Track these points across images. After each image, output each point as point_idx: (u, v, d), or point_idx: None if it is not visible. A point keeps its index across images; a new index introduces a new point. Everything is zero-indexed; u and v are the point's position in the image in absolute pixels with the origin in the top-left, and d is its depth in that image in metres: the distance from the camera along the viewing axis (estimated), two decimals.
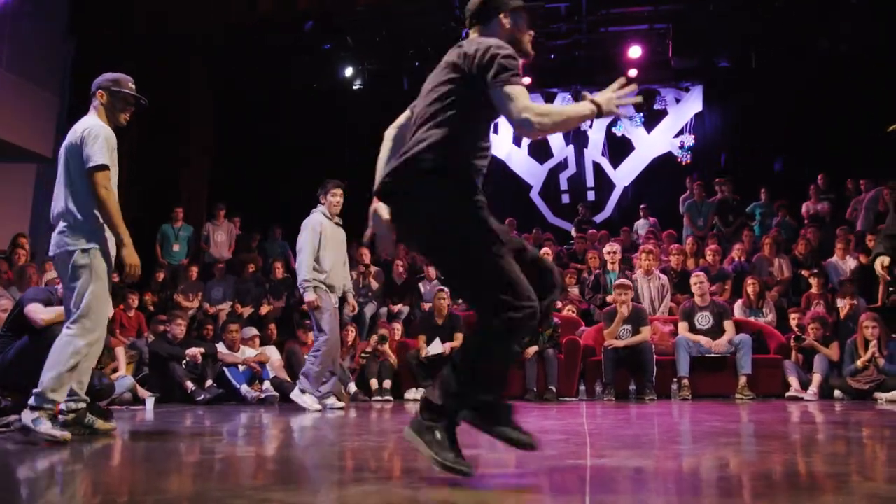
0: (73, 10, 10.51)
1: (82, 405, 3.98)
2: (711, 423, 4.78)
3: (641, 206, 12.68)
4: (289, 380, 7.48)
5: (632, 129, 14.01)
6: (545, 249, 9.61)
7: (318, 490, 2.35)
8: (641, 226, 12.19)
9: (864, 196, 10.56)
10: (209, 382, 7.36)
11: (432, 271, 9.67)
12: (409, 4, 11.36)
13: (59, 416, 3.92)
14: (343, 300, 6.67)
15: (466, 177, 2.63)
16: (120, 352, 7.35)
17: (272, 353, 7.96)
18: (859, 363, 7.14)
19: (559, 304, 8.70)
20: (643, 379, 7.31)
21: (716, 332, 7.64)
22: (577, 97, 14.02)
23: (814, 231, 10.16)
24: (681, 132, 13.85)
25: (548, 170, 14.44)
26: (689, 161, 13.63)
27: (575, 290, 9.41)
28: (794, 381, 7.31)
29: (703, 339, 7.52)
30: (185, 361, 7.40)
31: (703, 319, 7.73)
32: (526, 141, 14.30)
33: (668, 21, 12.01)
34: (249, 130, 12.47)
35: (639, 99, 2.70)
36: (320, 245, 6.37)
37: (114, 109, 4.10)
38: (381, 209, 2.77)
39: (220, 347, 7.69)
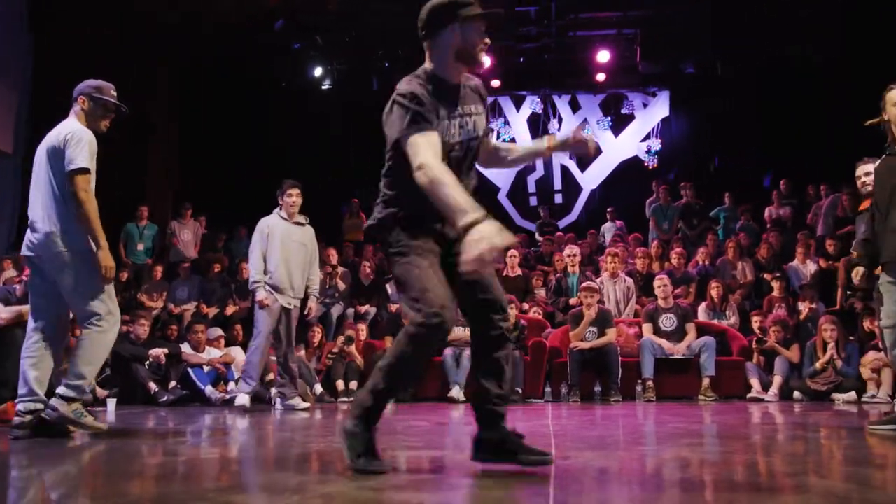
0: (32, 6, 10.29)
1: (41, 406, 3.94)
2: (675, 424, 4.85)
3: (608, 209, 12.81)
4: None
5: (599, 133, 14.14)
6: (512, 251, 9.64)
7: (282, 492, 2.33)
8: (608, 229, 12.31)
9: (823, 202, 10.78)
10: (173, 383, 7.27)
11: None
12: (379, 5, 11.34)
13: (16, 418, 3.87)
14: (305, 301, 6.61)
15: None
16: None
17: (237, 353, 7.88)
18: (818, 365, 7.28)
19: (526, 306, 8.74)
20: (608, 380, 7.37)
21: (679, 334, 7.74)
22: (546, 100, 14.14)
23: (776, 235, 10.34)
24: (648, 136, 14.02)
25: (515, 172, 14.50)
26: (655, 165, 13.80)
27: (541, 293, 9.46)
28: (755, 382, 7.43)
29: (665, 344, 7.61)
30: (148, 362, 7.30)
31: (667, 322, 7.82)
32: None
33: (635, 27, 12.16)
34: (216, 129, 12.35)
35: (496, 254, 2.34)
36: (268, 247, 6.35)
37: (94, 115, 4.17)
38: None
39: (185, 348, 7.60)
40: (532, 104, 14.36)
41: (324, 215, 13.10)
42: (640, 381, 7.49)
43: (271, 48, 12.12)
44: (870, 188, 5.23)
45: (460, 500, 2.33)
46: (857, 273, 4.62)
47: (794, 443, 3.88)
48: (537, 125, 14.37)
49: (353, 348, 7.94)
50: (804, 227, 10.69)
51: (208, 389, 7.26)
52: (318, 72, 12.99)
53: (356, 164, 13.67)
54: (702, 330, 7.88)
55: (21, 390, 3.97)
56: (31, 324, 4.06)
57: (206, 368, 7.45)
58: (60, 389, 3.90)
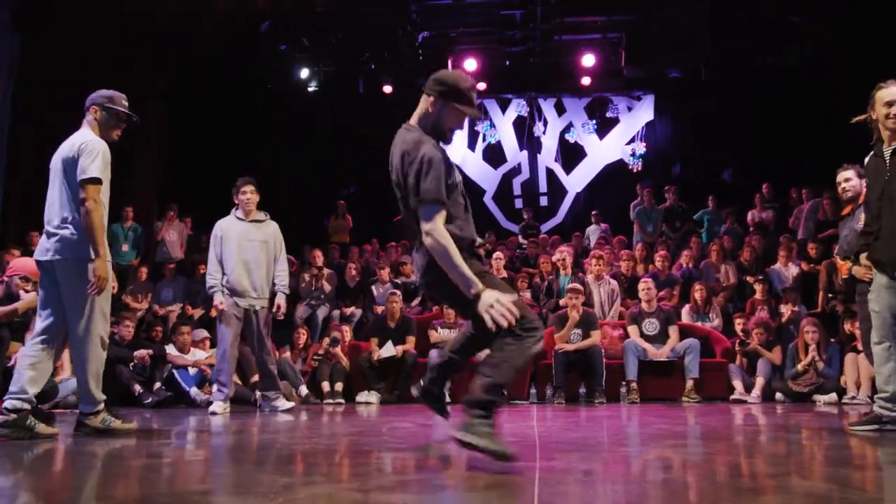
0: (17, 4, 10.19)
1: (27, 407, 3.97)
2: (659, 426, 4.88)
3: (593, 212, 12.87)
4: (239, 382, 7.38)
5: (584, 137, 14.21)
6: (497, 254, 9.66)
7: (267, 493, 2.34)
8: (593, 231, 12.37)
9: (805, 205, 10.88)
10: (157, 385, 7.23)
11: (385, 274, 9.66)
12: (366, 7, 11.35)
13: (0, 416, 3.86)
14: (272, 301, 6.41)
15: None
16: (64, 354, 7.16)
17: None
18: (800, 367, 7.35)
19: None
20: (593, 382, 7.40)
21: (662, 337, 7.78)
22: (532, 104, 14.20)
23: (758, 238, 10.43)
24: (632, 140, 14.10)
25: (501, 175, 14.56)
26: (640, 168, 13.88)
27: (527, 295, 9.49)
28: (738, 384, 7.49)
29: (648, 348, 7.66)
30: (132, 364, 7.26)
31: (650, 325, 7.87)
32: (480, 146, 14.42)
33: (621, 31, 12.24)
34: (202, 130, 12.30)
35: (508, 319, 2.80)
36: (223, 250, 6.19)
37: (107, 125, 4.29)
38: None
39: (170, 349, 7.56)
40: (518, 107, 14.42)
41: (310, 217, 13.13)
42: (624, 383, 7.53)
43: (257, 49, 12.10)
44: (850, 194, 5.30)
45: (445, 501, 2.34)
46: (847, 267, 4.68)
47: (776, 444, 3.93)
48: (523, 128, 14.43)
49: (338, 350, 7.93)
50: (786, 231, 10.79)
51: (193, 391, 7.22)
52: (304, 73, 12.97)
53: (342, 166, 13.67)
54: (685, 332, 7.94)
55: (12, 387, 4.00)
56: (38, 325, 4.16)
57: (191, 370, 7.42)
58: (81, 408, 4.17)
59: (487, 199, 14.49)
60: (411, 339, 7.88)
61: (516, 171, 14.57)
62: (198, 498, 2.29)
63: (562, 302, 8.52)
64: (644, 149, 14.00)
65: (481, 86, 13.43)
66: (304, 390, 7.50)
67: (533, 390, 7.98)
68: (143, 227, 10.57)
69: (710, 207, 11.87)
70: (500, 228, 13.86)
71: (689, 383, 7.47)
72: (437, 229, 2.89)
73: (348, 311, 9.39)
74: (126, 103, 4.37)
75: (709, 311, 8.52)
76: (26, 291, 5.53)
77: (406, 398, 7.55)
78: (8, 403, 3.95)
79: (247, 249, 6.20)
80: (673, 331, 7.80)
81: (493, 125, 14.47)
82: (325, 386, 7.69)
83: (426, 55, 12.64)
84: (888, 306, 4.19)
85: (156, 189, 11.86)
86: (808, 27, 11.26)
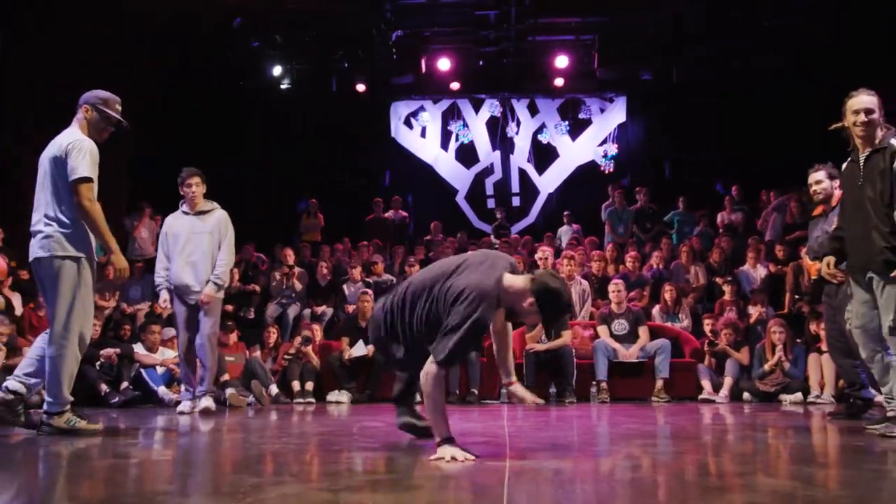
0: None
1: (24, 392, 4.12)
2: (628, 426, 4.92)
3: (565, 212, 12.92)
4: None
5: (557, 137, 14.27)
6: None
7: (236, 494, 2.32)
8: (565, 232, 12.42)
9: (771, 208, 11.03)
10: (124, 384, 7.12)
11: (356, 273, 9.63)
12: (340, 6, 11.30)
13: None
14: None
15: None
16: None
17: None
18: (766, 367, 7.45)
19: None
20: (563, 382, 7.43)
21: (631, 337, 7.84)
22: (505, 104, 14.24)
23: (728, 240, 10.56)
24: (604, 141, 14.18)
25: (474, 175, 14.56)
26: (611, 170, 13.97)
27: None
28: (706, 384, 7.57)
29: (618, 348, 7.71)
30: (99, 363, 7.15)
31: (619, 326, 7.93)
32: (453, 145, 14.42)
33: (594, 33, 12.31)
34: (172, 127, 12.15)
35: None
36: (169, 246, 5.94)
37: (96, 126, 4.30)
38: None
39: (138, 348, 7.46)
40: (491, 107, 14.44)
41: (281, 215, 13.05)
42: (594, 383, 7.57)
43: (229, 46, 11.99)
44: (821, 196, 5.38)
45: (415, 501, 2.34)
46: (829, 263, 4.56)
47: (743, 443, 3.98)
48: (496, 128, 14.46)
49: (309, 349, 7.89)
50: (755, 233, 10.93)
51: (161, 390, 7.13)
52: (277, 71, 12.88)
53: (314, 164, 13.60)
54: (655, 332, 8.00)
55: (18, 371, 4.19)
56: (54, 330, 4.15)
57: (159, 369, 7.32)
58: (46, 407, 4.09)
59: (460, 199, 14.49)
60: None
61: (489, 171, 14.59)
62: (164, 499, 2.27)
63: None
64: (616, 150, 14.09)
65: (454, 85, 13.45)
66: (274, 389, 7.44)
67: (503, 390, 7.99)
68: (112, 224, 10.41)
69: (680, 209, 11.99)
70: (472, 228, 13.87)
71: (659, 383, 7.53)
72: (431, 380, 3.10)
73: (319, 310, 9.34)
74: (119, 108, 4.36)
75: (678, 311, 8.60)
76: None
77: (377, 398, 7.53)
78: (10, 383, 4.08)
79: (193, 243, 5.87)
80: (643, 331, 7.86)
81: (466, 125, 14.47)
82: (296, 385, 7.64)
83: (400, 54, 12.62)
84: (868, 321, 4.16)
85: (125, 186, 11.69)
86: (779, 32, 11.41)
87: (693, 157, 13.43)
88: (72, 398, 4.17)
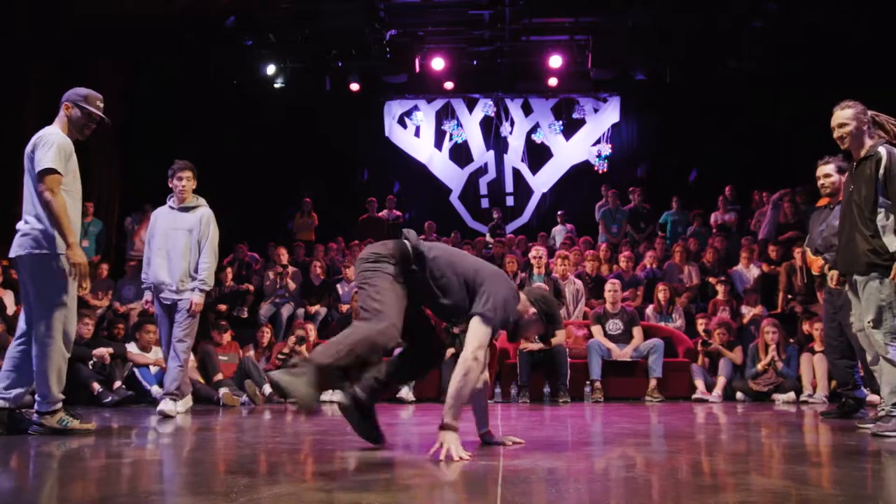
0: None
1: (6, 406, 4.10)
2: (622, 425, 4.92)
3: (559, 212, 12.95)
4: (202, 381, 7.29)
5: (551, 137, 14.29)
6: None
7: (229, 493, 2.31)
8: (558, 232, 12.44)
9: (766, 208, 11.07)
10: (118, 384, 7.10)
11: (350, 272, 9.61)
12: (333, 4, 11.28)
13: None
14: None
15: None
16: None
17: None
18: (759, 366, 7.47)
19: None
20: (557, 382, 7.44)
21: (625, 337, 7.86)
22: (499, 104, 14.25)
23: (721, 240, 10.59)
24: (598, 141, 14.21)
25: (468, 174, 14.58)
26: (605, 170, 14.00)
27: None
28: (700, 383, 7.59)
29: (613, 348, 7.72)
30: (91, 362, 7.13)
31: (614, 326, 7.94)
32: (447, 145, 14.43)
33: (588, 33, 12.31)
34: (165, 125, 12.11)
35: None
36: (152, 241, 5.76)
37: (78, 123, 4.29)
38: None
39: (131, 347, 7.44)
40: (485, 107, 14.46)
41: (274, 214, 13.03)
42: (588, 383, 7.58)
43: (223, 44, 11.94)
44: (828, 190, 5.41)
45: (408, 501, 2.33)
46: (833, 277, 4.87)
47: (736, 442, 3.99)
48: (490, 128, 14.47)
49: (304, 348, 7.87)
50: (748, 233, 10.96)
51: (154, 389, 7.11)
52: (270, 70, 12.85)
53: (308, 163, 13.57)
54: (649, 332, 8.02)
55: None
56: (20, 327, 4.20)
57: (152, 368, 7.30)
58: (36, 407, 4.12)
59: (454, 199, 14.50)
60: None
61: (483, 170, 14.60)
62: (157, 498, 2.26)
63: None
64: (610, 150, 14.12)
65: (448, 85, 13.44)
66: (267, 389, 7.42)
67: (497, 389, 8.00)
68: (105, 223, 10.39)
69: (674, 209, 12.01)
70: (465, 228, 13.88)
71: (652, 383, 7.55)
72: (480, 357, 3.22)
73: (313, 309, 9.33)
74: (101, 104, 4.36)
75: (672, 311, 8.62)
76: None
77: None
78: None
79: (171, 239, 5.68)
80: (637, 331, 7.87)
81: (460, 124, 14.48)
82: None
83: (394, 54, 12.60)
84: None
85: (118, 185, 11.65)
86: (771, 33, 11.44)
87: (686, 156, 13.46)
88: (63, 397, 4.16)
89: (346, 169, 14.11)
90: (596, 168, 14.08)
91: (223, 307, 9.23)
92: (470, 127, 14.52)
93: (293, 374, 3.00)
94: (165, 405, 5.56)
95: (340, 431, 4.41)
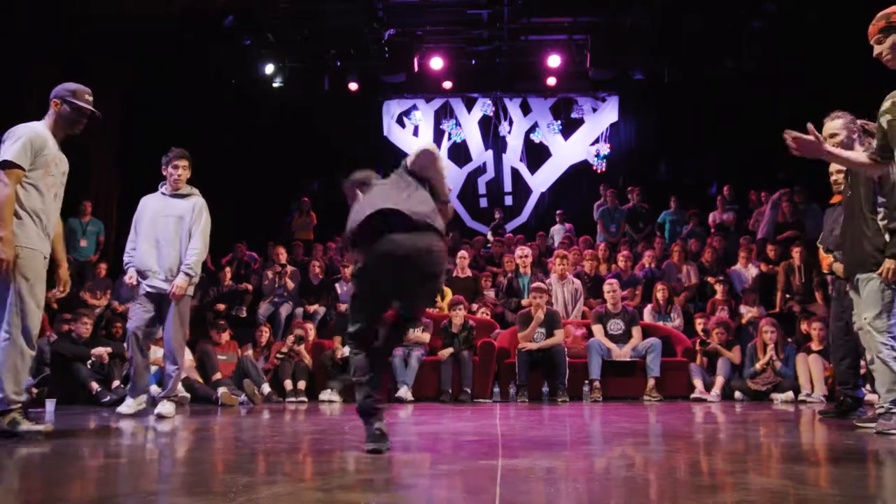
0: None
1: None
2: (620, 424, 4.93)
3: (557, 211, 12.95)
4: (200, 380, 7.29)
5: (549, 137, 14.30)
6: (462, 253, 9.69)
7: (227, 493, 2.31)
8: (557, 231, 12.45)
9: (764, 207, 11.08)
10: (116, 383, 7.09)
11: (349, 272, 9.61)
12: (332, 4, 11.28)
13: None
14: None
15: None
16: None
17: (185, 353, 7.72)
18: (758, 366, 7.48)
19: (475, 307, 8.79)
20: (556, 381, 7.44)
21: (626, 337, 7.86)
22: (497, 103, 14.27)
23: (719, 240, 10.60)
24: (597, 141, 14.21)
25: (466, 174, 14.58)
26: (603, 169, 14.00)
27: (490, 294, 9.52)
28: (698, 383, 7.60)
29: (613, 348, 7.73)
30: (90, 361, 7.12)
31: (615, 326, 7.94)
32: (446, 144, 14.43)
33: (586, 33, 12.32)
34: (163, 125, 12.09)
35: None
36: (139, 226, 5.63)
37: (68, 119, 4.21)
38: None
39: None
40: (483, 106, 14.46)
41: (273, 214, 13.01)
42: (587, 382, 7.59)
43: (221, 44, 11.94)
44: (841, 188, 5.42)
45: (408, 500, 2.34)
46: (828, 262, 5.11)
47: (734, 441, 3.99)
48: (488, 127, 14.48)
49: (302, 348, 7.88)
50: (746, 233, 10.97)
51: (153, 389, 7.09)
52: (269, 69, 12.85)
53: (306, 163, 13.57)
54: (647, 331, 8.02)
55: None
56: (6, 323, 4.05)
57: (151, 368, 7.29)
58: None
59: (452, 198, 14.41)
60: None
61: (481, 170, 14.60)
62: (156, 498, 2.26)
63: (524, 301, 8.57)
64: (608, 150, 14.12)
65: (447, 84, 13.44)
66: (266, 388, 7.43)
67: (496, 389, 8.01)
68: (104, 222, 10.37)
69: (672, 209, 12.02)
70: (464, 227, 13.87)
71: (651, 382, 7.55)
72: None
73: (311, 309, 9.33)
74: (90, 98, 4.28)
75: (670, 311, 8.63)
76: None
77: None
78: None
79: (160, 225, 5.54)
80: (636, 331, 7.88)
81: (458, 124, 14.49)
82: (288, 384, 7.63)
83: (392, 53, 12.60)
84: None
85: (117, 185, 11.64)
86: (770, 33, 11.45)
87: (685, 157, 13.47)
88: (22, 397, 3.94)
89: (345, 168, 14.08)
90: (594, 167, 14.08)
91: (222, 306, 9.23)
92: (468, 126, 14.52)
93: None
94: (163, 408, 5.52)
95: (339, 430, 4.41)
